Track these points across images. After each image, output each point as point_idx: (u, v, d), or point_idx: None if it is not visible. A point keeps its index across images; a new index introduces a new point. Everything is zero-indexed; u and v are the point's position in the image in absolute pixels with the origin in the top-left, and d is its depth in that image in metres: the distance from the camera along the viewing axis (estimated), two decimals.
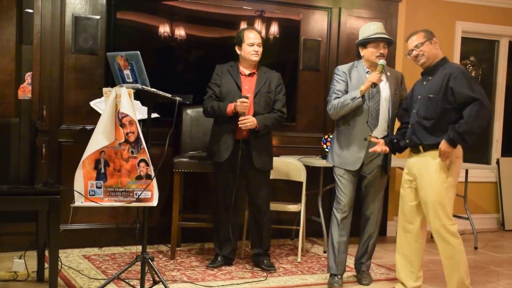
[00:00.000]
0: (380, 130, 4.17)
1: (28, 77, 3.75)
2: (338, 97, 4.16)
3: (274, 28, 5.53)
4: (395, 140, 4.07)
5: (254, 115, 4.42)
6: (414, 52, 3.91)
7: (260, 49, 4.48)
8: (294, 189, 5.19)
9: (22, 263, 4.10)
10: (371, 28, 4.19)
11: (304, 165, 5.08)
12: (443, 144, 3.73)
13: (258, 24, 5.45)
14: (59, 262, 3.71)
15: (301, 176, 5.00)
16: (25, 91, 3.73)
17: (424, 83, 3.93)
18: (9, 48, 4.72)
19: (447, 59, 3.96)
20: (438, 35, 6.49)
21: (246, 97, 4.34)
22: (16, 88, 4.65)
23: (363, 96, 4.06)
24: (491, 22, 6.67)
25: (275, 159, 4.74)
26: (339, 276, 4.28)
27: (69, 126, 4.94)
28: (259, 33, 4.58)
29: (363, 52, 4.20)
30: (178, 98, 3.75)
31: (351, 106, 4.10)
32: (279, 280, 4.36)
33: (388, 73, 4.24)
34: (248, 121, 4.35)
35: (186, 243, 5.26)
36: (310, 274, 4.56)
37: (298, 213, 5.11)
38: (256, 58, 4.47)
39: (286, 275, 4.50)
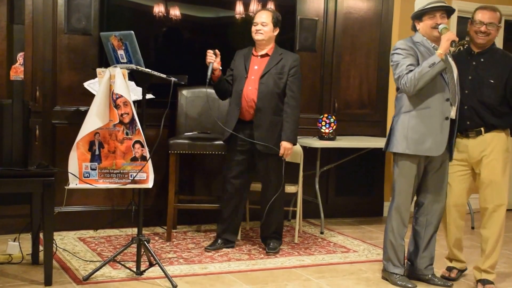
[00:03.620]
0: (455, 109, 3.82)
1: (20, 57, 3.68)
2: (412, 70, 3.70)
3: (270, 7, 5.44)
4: None
5: (260, 96, 4.38)
6: (485, 28, 3.83)
7: (264, 28, 4.41)
8: (291, 170, 5.15)
9: (17, 246, 4.07)
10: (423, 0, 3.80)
11: (301, 146, 5.04)
12: None
13: (254, 4, 5.37)
14: (54, 245, 3.69)
15: (298, 157, 4.96)
16: (17, 72, 3.66)
17: (474, 63, 3.88)
18: (0, 27, 4.63)
19: (494, 43, 3.95)
20: None
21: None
22: (8, 69, 4.54)
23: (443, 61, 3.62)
24: (487, 1, 6.58)
25: None
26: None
27: (62, 107, 4.88)
28: (272, 12, 4.52)
29: (419, 26, 3.81)
30: (173, 79, 3.70)
31: (431, 75, 3.61)
32: (276, 262, 4.35)
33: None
34: (287, 154, 4.42)
35: (182, 225, 5.23)
36: (307, 255, 4.54)
37: (295, 194, 5.09)
38: (258, 37, 4.44)
39: (283, 256, 4.48)
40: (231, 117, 4.48)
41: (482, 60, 3.89)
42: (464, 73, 3.90)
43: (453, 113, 3.81)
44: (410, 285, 3.88)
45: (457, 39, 3.67)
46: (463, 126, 3.90)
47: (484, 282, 3.93)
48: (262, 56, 4.50)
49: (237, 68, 4.52)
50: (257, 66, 4.46)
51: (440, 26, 3.73)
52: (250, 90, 4.41)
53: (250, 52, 4.55)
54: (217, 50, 4.39)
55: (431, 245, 4.00)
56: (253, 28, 4.47)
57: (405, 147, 3.78)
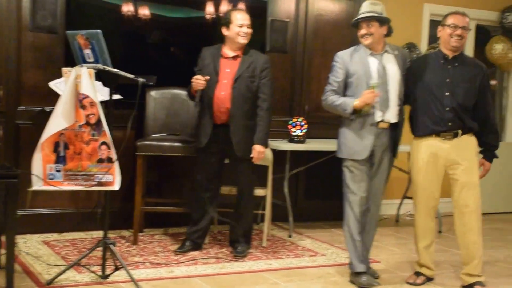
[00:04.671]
0: (392, 113, 3.95)
1: None
2: (334, 89, 3.98)
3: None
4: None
5: (233, 101, 4.31)
6: (460, 31, 3.90)
7: (249, 31, 4.35)
8: (260, 173, 5.12)
9: None
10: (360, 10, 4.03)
11: (270, 148, 5.01)
12: (488, 165, 4.05)
13: (225, 4, 5.32)
14: (17, 248, 3.59)
15: (267, 159, 4.93)
16: None
17: (449, 67, 3.94)
18: None
19: (463, 50, 4.07)
20: (406, 18, 6.55)
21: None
22: None
23: (354, 113, 3.88)
24: (458, 5, 6.64)
25: None
26: (366, 274, 4.02)
27: (27, 107, 4.77)
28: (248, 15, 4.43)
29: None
30: (141, 79, 3.64)
31: (340, 114, 3.99)
32: (244, 265, 4.31)
33: (396, 52, 4.03)
34: (259, 158, 4.37)
35: (149, 228, 5.15)
36: (275, 259, 4.51)
37: (264, 197, 5.05)
38: (244, 40, 4.34)
39: (251, 260, 4.44)
40: (206, 122, 4.38)
41: (456, 64, 3.96)
42: (441, 77, 3.95)
43: (389, 117, 3.93)
44: (374, 284, 3.96)
45: (371, 102, 3.83)
46: (444, 127, 3.93)
47: (480, 284, 4.00)
48: (233, 58, 4.41)
49: (206, 69, 4.37)
50: (229, 69, 4.37)
51: (372, 82, 3.88)
52: (223, 95, 4.33)
53: (218, 53, 4.43)
54: (207, 76, 4.30)
55: (367, 241, 4.12)
56: (238, 30, 4.31)
57: (339, 152, 4.08)
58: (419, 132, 4.03)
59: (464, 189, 3.95)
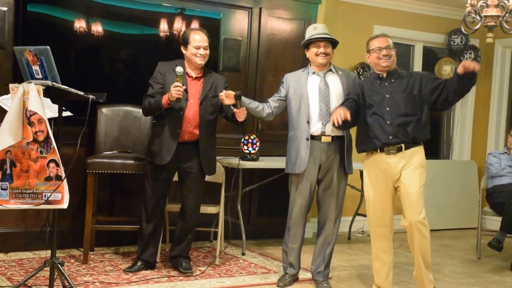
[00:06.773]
0: (330, 127, 4.18)
1: None
2: (270, 102, 4.38)
3: (194, 26, 5.42)
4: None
5: (201, 121, 4.36)
6: (385, 51, 4.03)
7: (206, 52, 4.37)
8: (213, 191, 5.11)
9: None
10: (311, 30, 4.30)
11: (223, 166, 5.01)
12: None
13: (178, 22, 5.34)
14: None
15: (219, 177, 4.93)
16: None
17: (386, 84, 4.06)
18: None
19: (397, 67, 4.18)
20: (357, 38, 6.67)
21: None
22: None
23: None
24: (406, 27, 6.84)
25: None
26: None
27: None
28: (207, 35, 4.42)
29: (307, 54, 4.30)
30: (91, 96, 3.60)
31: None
32: (196, 284, 4.28)
33: (340, 72, 4.31)
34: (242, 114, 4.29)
35: (100, 246, 5.08)
36: (228, 277, 4.50)
37: (217, 215, 5.04)
38: (201, 61, 4.36)
39: (203, 278, 4.41)
40: (170, 140, 4.32)
41: (392, 80, 4.07)
42: (380, 94, 4.05)
43: (330, 130, 4.17)
44: (281, 283, 4.33)
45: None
46: (386, 141, 3.99)
47: None
48: (195, 78, 4.41)
49: (170, 86, 4.21)
50: (194, 89, 4.38)
51: (177, 70, 4.15)
52: (192, 114, 4.34)
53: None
54: (183, 86, 4.21)
55: (323, 256, 4.34)
56: (196, 52, 4.32)
57: (286, 167, 4.34)
58: (364, 147, 4.10)
59: (403, 198, 3.98)
